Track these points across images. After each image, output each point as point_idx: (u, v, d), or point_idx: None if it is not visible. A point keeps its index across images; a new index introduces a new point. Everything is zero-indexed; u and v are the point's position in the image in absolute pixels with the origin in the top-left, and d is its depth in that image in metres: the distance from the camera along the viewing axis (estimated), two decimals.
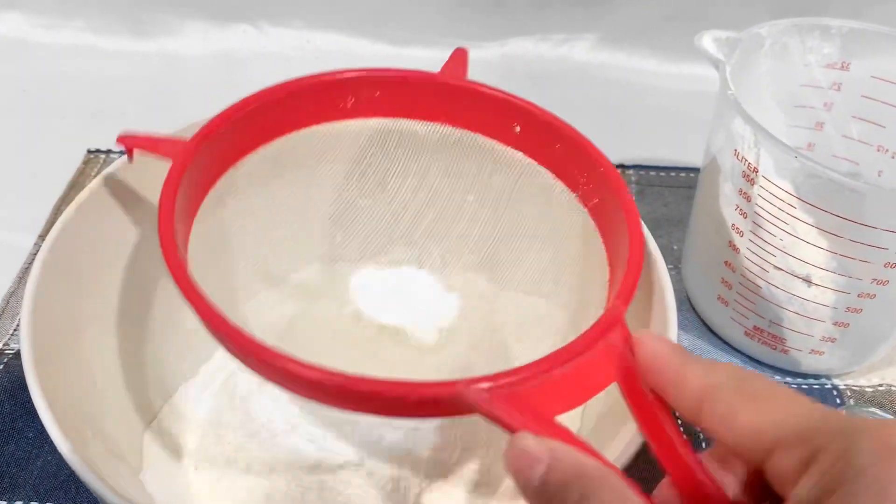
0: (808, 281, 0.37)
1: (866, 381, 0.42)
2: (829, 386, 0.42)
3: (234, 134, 0.31)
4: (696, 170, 0.50)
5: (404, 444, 0.35)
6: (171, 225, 0.26)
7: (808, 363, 0.41)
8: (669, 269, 0.33)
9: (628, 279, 0.26)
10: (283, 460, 0.34)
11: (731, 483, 0.23)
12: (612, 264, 0.29)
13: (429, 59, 0.64)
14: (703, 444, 0.39)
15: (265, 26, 0.64)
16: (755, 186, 0.36)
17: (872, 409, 0.36)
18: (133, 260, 0.34)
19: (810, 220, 0.35)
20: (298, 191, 0.35)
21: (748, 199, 0.37)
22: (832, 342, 0.39)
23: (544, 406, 0.22)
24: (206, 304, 0.24)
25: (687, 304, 0.46)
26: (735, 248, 0.39)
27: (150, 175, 0.30)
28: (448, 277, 0.38)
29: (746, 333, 0.42)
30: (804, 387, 0.42)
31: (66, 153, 0.53)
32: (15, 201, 0.50)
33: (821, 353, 0.40)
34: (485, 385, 0.22)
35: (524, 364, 0.23)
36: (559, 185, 0.32)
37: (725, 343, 0.44)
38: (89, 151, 0.54)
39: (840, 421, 0.20)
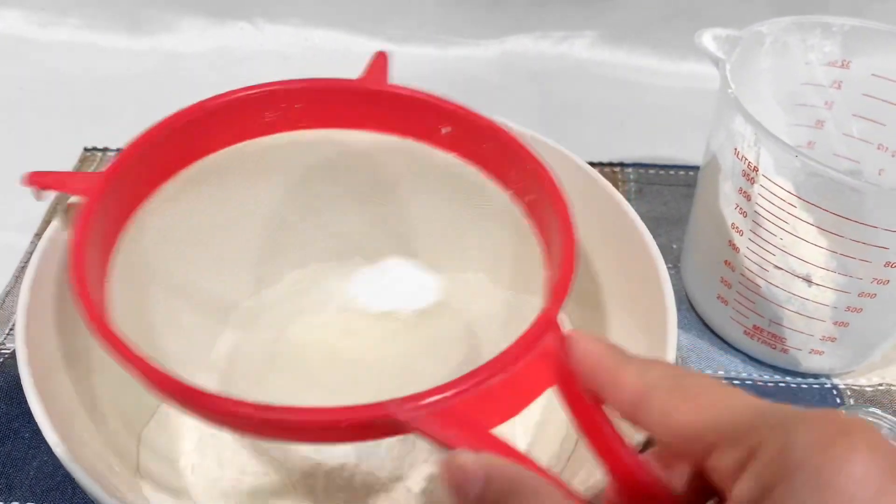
0: (808, 280, 0.37)
1: (866, 380, 0.42)
2: (828, 385, 0.42)
3: (151, 161, 0.30)
4: (695, 168, 0.50)
5: (405, 441, 0.34)
6: (83, 269, 0.25)
7: (808, 363, 0.41)
8: (669, 269, 0.33)
9: (561, 280, 0.25)
10: (280, 461, 0.34)
11: (675, 482, 0.22)
12: (547, 264, 0.28)
13: (428, 56, 0.64)
14: None
15: (262, 23, 0.64)
16: (755, 185, 0.36)
17: (872, 409, 0.36)
18: (129, 257, 0.34)
19: (810, 219, 0.35)
20: (226, 211, 0.34)
21: (748, 197, 0.37)
22: (832, 342, 0.39)
23: (481, 418, 0.22)
24: (125, 346, 0.23)
25: (686, 304, 0.45)
26: (735, 248, 0.39)
27: None
28: (393, 278, 0.38)
29: (746, 333, 0.42)
30: (804, 386, 0.42)
31: (62, 151, 0.53)
32: (11, 200, 0.50)
33: (821, 353, 0.40)
34: (417, 403, 0.21)
35: (458, 377, 0.22)
36: (492, 184, 0.32)
37: (725, 342, 0.44)
38: (86, 149, 0.53)
39: (778, 414, 0.19)
